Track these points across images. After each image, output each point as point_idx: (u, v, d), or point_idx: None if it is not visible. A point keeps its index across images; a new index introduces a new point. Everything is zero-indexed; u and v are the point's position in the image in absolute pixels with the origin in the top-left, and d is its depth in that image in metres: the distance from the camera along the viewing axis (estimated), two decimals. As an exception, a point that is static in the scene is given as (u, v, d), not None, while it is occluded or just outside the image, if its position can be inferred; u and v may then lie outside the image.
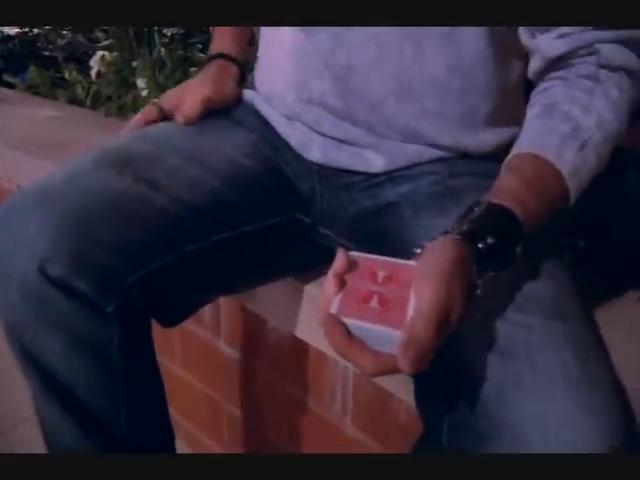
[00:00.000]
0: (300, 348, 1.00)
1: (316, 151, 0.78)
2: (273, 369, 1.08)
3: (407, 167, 0.76)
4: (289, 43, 0.77)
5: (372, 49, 0.71)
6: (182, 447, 1.29)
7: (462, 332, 0.59)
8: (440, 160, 0.76)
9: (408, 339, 0.48)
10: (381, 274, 0.54)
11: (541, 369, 0.55)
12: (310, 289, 0.90)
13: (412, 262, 0.55)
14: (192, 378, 1.24)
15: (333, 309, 0.51)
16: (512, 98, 0.77)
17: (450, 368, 0.59)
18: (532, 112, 0.68)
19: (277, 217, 0.80)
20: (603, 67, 0.66)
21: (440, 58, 0.70)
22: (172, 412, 1.29)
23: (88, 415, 0.68)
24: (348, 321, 0.51)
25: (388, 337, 0.50)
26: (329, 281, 0.53)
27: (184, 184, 0.73)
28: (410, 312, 0.50)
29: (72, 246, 0.64)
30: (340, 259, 0.54)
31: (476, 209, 0.58)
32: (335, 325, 0.51)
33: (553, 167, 0.63)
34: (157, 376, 0.77)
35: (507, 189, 0.60)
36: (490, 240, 0.56)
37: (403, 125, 0.74)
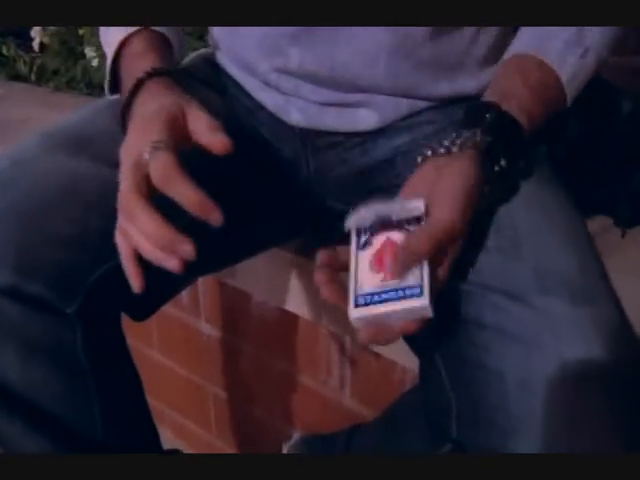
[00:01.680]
0: (289, 321, 0.94)
1: (296, 115, 0.71)
2: (260, 346, 1.02)
3: (401, 119, 0.70)
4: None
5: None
6: (167, 436, 1.23)
7: (479, 313, 0.56)
8: (436, 107, 0.70)
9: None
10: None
11: (568, 364, 0.51)
12: (298, 259, 0.84)
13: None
14: (172, 363, 1.19)
15: (353, 314, 0.50)
16: (504, 30, 0.71)
17: (464, 352, 0.55)
18: None
19: (256, 187, 0.73)
20: None
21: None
22: (153, 401, 1.23)
23: (56, 426, 0.61)
24: (375, 315, 0.50)
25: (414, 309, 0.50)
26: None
27: None
28: (426, 278, 0.50)
29: (20, 246, 0.57)
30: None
31: (487, 115, 0.57)
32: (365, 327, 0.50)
33: (555, 73, 0.62)
34: (132, 371, 0.70)
35: (514, 96, 0.59)
36: (503, 162, 0.56)
37: (398, 80, 0.67)
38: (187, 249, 0.51)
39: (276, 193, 0.76)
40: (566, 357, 0.51)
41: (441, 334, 0.59)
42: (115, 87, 0.67)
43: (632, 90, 0.89)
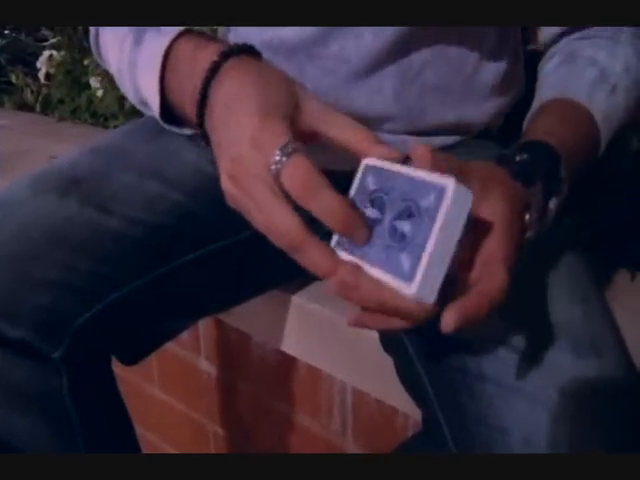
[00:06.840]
0: (289, 362, 0.92)
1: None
2: (261, 387, 1.00)
3: None
4: (258, 35, 0.68)
5: (368, 33, 0.64)
6: (167, 474, 1.20)
7: (479, 365, 0.53)
8: (445, 149, 0.69)
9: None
10: None
11: (573, 419, 0.49)
12: (297, 300, 0.82)
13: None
14: (172, 399, 1.16)
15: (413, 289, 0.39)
16: (509, 61, 0.72)
17: (465, 407, 0.52)
18: (552, 62, 0.65)
19: (253, 229, 0.71)
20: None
21: (443, 29, 0.64)
22: (152, 437, 1.21)
23: None
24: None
25: None
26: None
27: (140, 202, 0.63)
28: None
29: (3, 289, 0.55)
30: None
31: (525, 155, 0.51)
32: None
33: (586, 110, 0.59)
34: (123, 415, 0.67)
35: (552, 134, 0.54)
36: (539, 185, 0.50)
37: (404, 105, 0.66)
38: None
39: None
40: (570, 411, 0.49)
41: (440, 385, 0.56)
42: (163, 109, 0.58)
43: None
